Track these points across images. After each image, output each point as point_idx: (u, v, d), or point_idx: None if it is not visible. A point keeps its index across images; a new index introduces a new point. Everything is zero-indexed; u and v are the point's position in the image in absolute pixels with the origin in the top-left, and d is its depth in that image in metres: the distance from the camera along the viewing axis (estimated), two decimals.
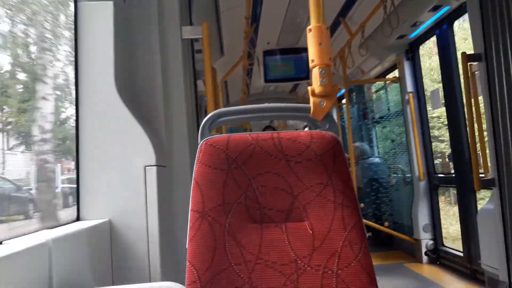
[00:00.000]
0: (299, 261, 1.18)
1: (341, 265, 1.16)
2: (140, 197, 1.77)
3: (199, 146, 1.27)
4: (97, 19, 1.87)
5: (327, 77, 1.31)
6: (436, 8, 3.62)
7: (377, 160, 5.60)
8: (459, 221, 3.94)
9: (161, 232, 1.77)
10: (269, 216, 1.22)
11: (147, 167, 1.79)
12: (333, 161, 1.23)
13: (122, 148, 1.81)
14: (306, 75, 5.27)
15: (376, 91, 5.80)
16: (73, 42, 1.89)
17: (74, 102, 1.86)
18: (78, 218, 1.76)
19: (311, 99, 1.33)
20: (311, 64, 1.33)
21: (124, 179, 1.79)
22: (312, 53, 1.32)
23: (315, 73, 1.31)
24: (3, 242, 1.23)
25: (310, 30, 1.32)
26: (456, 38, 3.90)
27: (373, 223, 5.05)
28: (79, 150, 1.80)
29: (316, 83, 1.32)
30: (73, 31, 1.89)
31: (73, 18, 1.90)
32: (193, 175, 1.24)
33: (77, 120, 1.83)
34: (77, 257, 1.46)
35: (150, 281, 1.72)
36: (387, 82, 5.26)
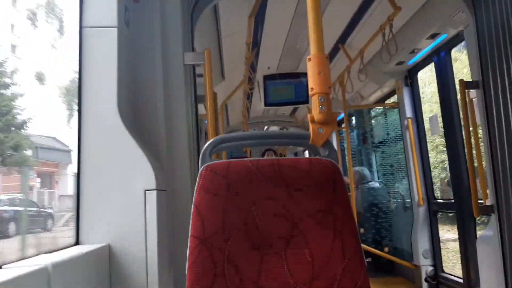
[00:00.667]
0: None
1: None
2: (140, 222, 1.77)
3: (199, 171, 1.28)
4: (102, 44, 1.91)
5: (326, 104, 1.33)
6: (434, 36, 3.68)
7: (376, 185, 5.60)
8: (458, 247, 3.92)
9: (160, 257, 1.76)
10: (269, 243, 1.23)
11: (147, 191, 1.80)
12: (333, 189, 1.25)
13: (123, 171, 1.83)
14: (305, 99, 5.32)
15: (375, 116, 5.84)
16: (78, 66, 1.92)
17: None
18: (77, 242, 1.76)
19: (311, 126, 1.35)
20: (310, 92, 1.36)
21: (124, 203, 1.79)
22: (312, 81, 1.34)
23: (315, 101, 1.34)
24: (2, 267, 1.24)
25: (309, 59, 1.35)
26: None
27: (373, 249, 5.02)
28: (80, 173, 1.81)
29: (315, 111, 1.34)
30: (78, 56, 1.92)
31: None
32: (193, 201, 1.25)
33: (79, 143, 1.84)
34: (75, 282, 1.46)
35: None
36: (386, 107, 5.30)
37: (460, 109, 3.54)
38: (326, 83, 1.34)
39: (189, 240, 1.21)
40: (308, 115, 1.36)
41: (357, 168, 5.75)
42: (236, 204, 1.24)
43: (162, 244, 1.82)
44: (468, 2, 2.80)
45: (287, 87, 5.31)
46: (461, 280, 3.90)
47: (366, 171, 5.71)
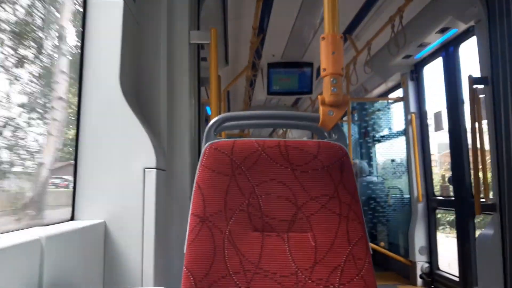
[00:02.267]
0: (300, 274, 1.14)
1: (343, 280, 1.12)
2: (138, 200, 1.72)
3: (203, 149, 1.23)
4: (106, 17, 1.84)
5: (338, 86, 1.28)
6: (443, 30, 3.63)
7: (375, 179, 5.58)
8: (456, 244, 3.90)
9: (156, 237, 1.72)
10: (271, 225, 1.19)
11: (146, 170, 1.75)
12: (341, 173, 1.20)
13: (123, 148, 1.78)
14: (309, 90, 5.26)
15: (378, 110, 5.79)
16: (80, 38, 1.86)
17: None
18: (72, 218, 1.72)
19: (321, 108, 1.30)
20: (322, 73, 1.31)
21: (122, 181, 1.74)
22: (325, 62, 1.29)
23: (326, 82, 1.29)
24: None
25: (323, 38, 1.30)
26: None
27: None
28: (78, 148, 1.76)
29: (326, 92, 1.29)
30: (81, 28, 1.86)
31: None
32: (195, 179, 1.20)
33: (78, 118, 1.79)
34: (69, 257, 1.42)
35: (142, 286, 1.67)
36: (390, 101, 5.26)
37: (467, 105, 3.50)
38: (339, 64, 1.29)
39: (189, 218, 1.17)
40: (319, 97, 1.31)
41: (356, 160, 5.72)
42: (239, 184, 1.20)
43: (160, 224, 1.78)
44: None
45: (291, 76, 5.25)
46: (456, 278, 3.88)
47: (365, 164, 5.68)
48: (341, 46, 1.30)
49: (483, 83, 2.90)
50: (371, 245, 4.37)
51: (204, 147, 1.24)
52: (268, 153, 1.22)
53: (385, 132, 5.54)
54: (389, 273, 4.95)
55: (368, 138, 6.03)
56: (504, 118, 2.61)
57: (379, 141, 5.78)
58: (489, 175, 2.98)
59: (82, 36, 1.85)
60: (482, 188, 3.00)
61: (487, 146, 2.94)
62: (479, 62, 2.99)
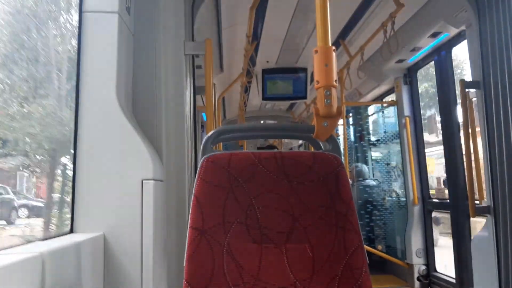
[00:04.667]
0: (299, 284, 1.16)
1: None
2: (136, 212, 1.74)
3: (200, 162, 1.25)
4: (101, 30, 1.87)
5: (331, 98, 1.30)
6: (435, 35, 3.66)
7: (372, 182, 5.60)
8: (452, 247, 3.93)
9: (155, 248, 1.73)
10: (269, 237, 1.21)
11: (144, 181, 1.77)
12: (336, 183, 1.22)
13: (120, 160, 1.79)
14: (304, 95, 5.29)
15: (373, 114, 5.83)
16: (76, 52, 1.88)
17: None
18: (71, 230, 1.73)
19: (315, 119, 1.32)
20: (316, 85, 1.33)
21: (120, 192, 1.76)
22: (318, 74, 1.31)
23: (320, 94, 1.31)
24: None
25: (316, 51, 1.32)
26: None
27: (366, 246, 5.02)
28: (76, 160, 1.78)
29: (320, 104, 1.31)
30: (77, 41, 1.88)
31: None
32: (194, 192, 1.22)
33: (75, 130, 1.81)
34: (69, 271, 1.43)
35: None
36: (384, 105, 5.30)
37: (460, 109, 3.54)
38: (332, 75, 1.31)
39: (188, 231, 1.19)
40: (313, 108, 1.33)
41: (354, 164, 5.75)
42: (237, 196, 1.22)
43: (158, 235, 1.79)
44: (472, 2, 2.78)
45: (286, 82, 5.27)
46: (453, 280, 3.91)
47: (364, 168, 5.70)
48: (333, 58, 1.32)
49: (475, 87, 2.93)
50: (368, 248, 4.40)
51: (201, 159, 1.26)
52: (265, 165, 1.24)
53: (380, 135, 5.57)
54: (387, 276, 4.97)
55: (363, 142, 6.06)
56: (496, 121, 2.64)
57: (374, 144, 5.81)
58: (483, 177, 3.01)
59: (78, 49, 1.87)
60: (477, 190, 3.03)
61: (480, 149, 2.97)
62: (471, 66, 3.02)
